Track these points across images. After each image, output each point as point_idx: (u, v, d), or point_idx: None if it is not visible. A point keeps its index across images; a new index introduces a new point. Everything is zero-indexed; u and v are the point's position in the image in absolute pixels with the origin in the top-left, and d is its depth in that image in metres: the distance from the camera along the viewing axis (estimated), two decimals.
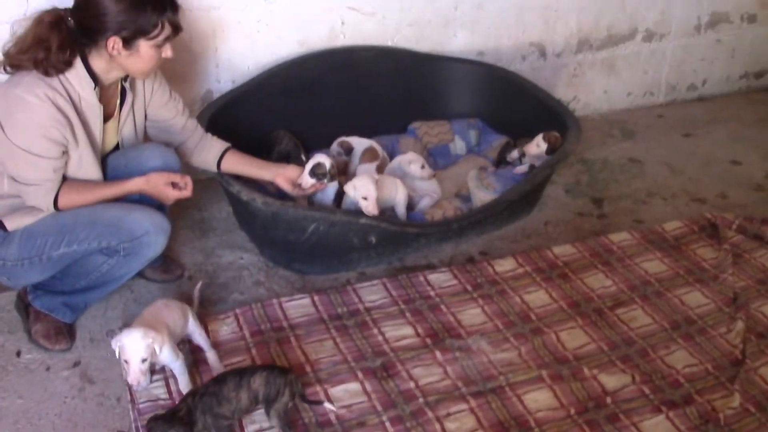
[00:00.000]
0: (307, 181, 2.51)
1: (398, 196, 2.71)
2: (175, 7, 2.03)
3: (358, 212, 2.50)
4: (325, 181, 2.55)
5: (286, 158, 2.83)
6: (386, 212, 2.71)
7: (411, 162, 2.86)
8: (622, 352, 2.30)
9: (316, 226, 2.40)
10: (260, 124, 2.96)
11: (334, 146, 3.07)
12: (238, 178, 2.48)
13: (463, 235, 2.80)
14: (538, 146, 2.94)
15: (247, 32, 2.97)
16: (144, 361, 1.91)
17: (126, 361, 1.92)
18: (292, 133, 2.98)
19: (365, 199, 2.50)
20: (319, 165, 2.53)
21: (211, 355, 2.18)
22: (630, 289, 2.57)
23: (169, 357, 2.00)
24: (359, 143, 3.06)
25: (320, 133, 3.11)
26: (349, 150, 3.05)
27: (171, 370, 2.08)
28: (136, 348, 1.90)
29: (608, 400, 2.13)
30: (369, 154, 3.00)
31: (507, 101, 3.31)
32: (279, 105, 3.03)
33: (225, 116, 2.78)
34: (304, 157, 2.82)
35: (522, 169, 2.99)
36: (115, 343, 1.92)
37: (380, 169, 2.92)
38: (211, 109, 2.79)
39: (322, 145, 3.07)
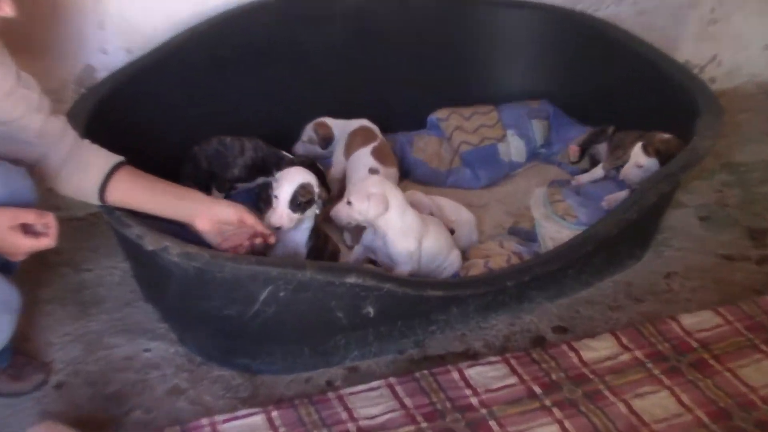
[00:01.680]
0: (290, 217, 2.53)
1: (451, 256, 2.80)
2: None
3: (347, 267, 2.48)
4: (298, 215, 2.58)
5: (264, 172, 3.00)
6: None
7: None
8: None
9: (272, 290, 2.32)
10: (176, 120, 2.99)
11: (308, 131, 3.22)
12: (137, 214, 2.42)
13: (525, 300, 2.80)
14: (638, 165, 2.96)
15: None
16: None
17: None
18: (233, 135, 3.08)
19: (350, 204, 2.63)
20: (303, 187, 2.54)
21: None
22: None
23: None
24: (343, 127, 3.22)
25: (273, 131, 3.17)
26: (326, 139, 3.19)
27: None
28: None
29: None
30: (361, 136, 3.15)
31: (593, 70, 3.39)
32: (206, 87, 3.08)
33: (116, 110, 2.77)
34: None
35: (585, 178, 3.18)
36: None
37: (380, 154, 3.06)
38: (91, 98, 2.77)
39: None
